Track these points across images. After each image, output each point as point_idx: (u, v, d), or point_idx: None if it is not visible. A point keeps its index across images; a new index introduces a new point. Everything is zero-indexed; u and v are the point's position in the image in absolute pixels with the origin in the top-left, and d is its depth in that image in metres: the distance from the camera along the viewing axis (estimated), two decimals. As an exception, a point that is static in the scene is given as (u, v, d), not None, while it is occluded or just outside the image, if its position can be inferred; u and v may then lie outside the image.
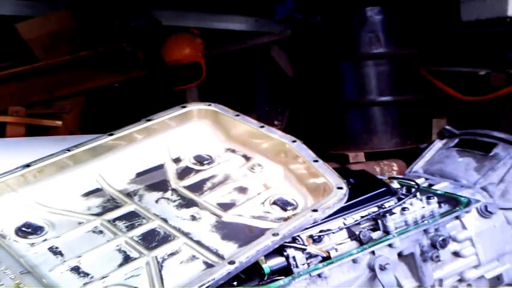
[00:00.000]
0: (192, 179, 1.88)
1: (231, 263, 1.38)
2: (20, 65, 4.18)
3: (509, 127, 3.91)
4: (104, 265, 1.49)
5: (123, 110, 4.89)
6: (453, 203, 1.96)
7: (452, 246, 1.93)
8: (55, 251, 1.55)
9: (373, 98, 4.36)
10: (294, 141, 1.84)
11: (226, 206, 1.73)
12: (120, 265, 1.49)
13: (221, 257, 1.50)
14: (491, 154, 2.19)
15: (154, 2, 4.68)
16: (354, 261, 1.72)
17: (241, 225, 1.65)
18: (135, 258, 1.51)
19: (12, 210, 1.67)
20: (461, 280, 2.00)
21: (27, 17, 4.25)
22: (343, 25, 4.40)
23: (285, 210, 1.69)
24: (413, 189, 1.99)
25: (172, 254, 1.53)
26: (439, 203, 1.93)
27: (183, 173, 1.90)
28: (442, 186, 2.13)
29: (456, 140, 2.37)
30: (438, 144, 2.43)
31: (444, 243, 1.86)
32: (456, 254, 1.96)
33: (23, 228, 1.62)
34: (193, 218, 1.69)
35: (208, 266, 1.47)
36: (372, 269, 1.74)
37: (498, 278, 2.02)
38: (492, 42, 4.10)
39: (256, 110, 5.04)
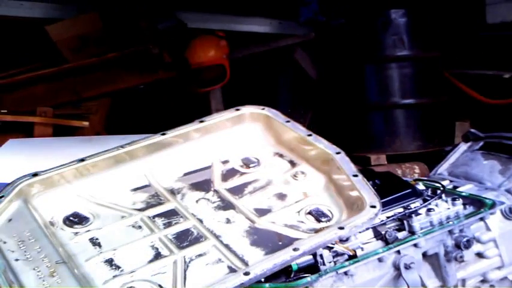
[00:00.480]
0: (235, 182, 1.90)
1: (246, 274, 1.41)
2: (49, 67, 4.28)
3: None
4: (136, 260, 1.55)
5: (148, 111, 4.98)
6: (478, 204, 1.98)
7: (476, 247, 1.95)
8: (95, 242, 1.62)
9: (396, 100, 4.38)
10: (338, 153, 1.83)
11: (262, 212, 1.75)
12: (150, 261, 1.55)
13: (245, 263, 1.52)
14: (516, 157, 2.21)
15: (180, 5, 4.75)
16: (380, 260, 1.75)
17: (272, 232, 1.65)
18: (165, 256, 1.56)
19: (64, 200, 1.75)
20: (484, 281, 2.02)
21: (57, 19, 4.35)
22: (367, 28, 4.44)
23: (319, 221, 1.68)
24: (438, 191, 2.02)
25: (200, 255, 1.57)
26: (464, 204, 1.95)
27: (228, 175, 1.93)
28: (466, 188, 2.15)
29: (481, 143, 2.39)
30: (463, 147, 2.44)
31: (468, 244, 1.88)
32: (480, 255, 1.98)
33: (71, 218, 1.70)
34: (228, 221, 1.72)
35: (232, 270, 1.50)
36: (397, 268, 1.77)
37: (521, 280, 2.04)
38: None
39: (279, 111, 5.09)
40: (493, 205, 1.95)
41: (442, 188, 2.02)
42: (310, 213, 1.72)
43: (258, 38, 5.01)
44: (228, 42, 4.74)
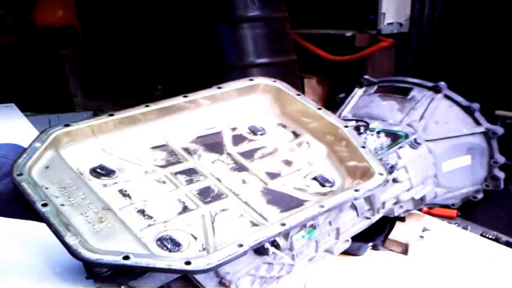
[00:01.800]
0: (245, 147, 1.99)
1: (283, 224, 1.51)
2: None
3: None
4: (166, 211, 1.60)
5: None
6: (392, 137, 2.29)
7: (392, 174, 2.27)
8: (124, 194, 1.64)
9: (252, 60, 4.62)
10: (346, 127, 2.00)
11: (272, 175, 1.85)
12: (179, 213, 1.61)
13: (265, 219, 1.64)
14: (409, 97, 2.52)
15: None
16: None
17: (283, 193, 1.78)
18: (192, 209, 1.63)
19: (89, 153, 1.74)
20: (396, 203, 2.35)
21: None
22: (219, -12, 4.56)
23: (323, 186, 1.84)
24: (362, 128, 2.29)
25: (223, 210, 1.66)
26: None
27: (237, 140, 2.01)
28: (375, 125, 2.43)
29: (375, 87, 2.71)
30: (359, 92, 2.72)
31: (392, 170, 2.18)
32: (394, 180, 2.29)
33: (97, 170, 1.70)
34: (244, 181, 1.81)
35: (254, 225, 1.61)
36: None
37: (422, 199, 2.41)
38: (356, 6, 4.57)
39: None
40: (407, 136, 2.29)
41: (366, 125, 2.30)
42: (315, 178, 1.87)
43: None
44: (79, 2, 4.51)
